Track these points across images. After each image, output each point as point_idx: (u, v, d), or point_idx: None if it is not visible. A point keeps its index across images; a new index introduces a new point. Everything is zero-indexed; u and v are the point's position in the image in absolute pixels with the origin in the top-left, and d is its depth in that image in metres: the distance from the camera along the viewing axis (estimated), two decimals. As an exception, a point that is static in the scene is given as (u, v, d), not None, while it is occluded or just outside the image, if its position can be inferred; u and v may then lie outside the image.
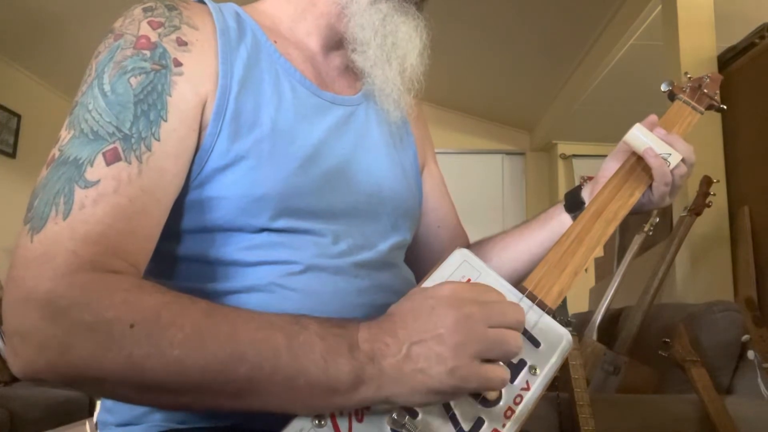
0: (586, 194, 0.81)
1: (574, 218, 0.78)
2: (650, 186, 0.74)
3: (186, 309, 0.49)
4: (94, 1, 3.07)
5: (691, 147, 0.74)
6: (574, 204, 0.81)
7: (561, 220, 0.81)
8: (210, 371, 0.47)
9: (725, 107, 0.84)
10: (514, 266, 0.82)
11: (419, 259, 0.88)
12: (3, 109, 3.70)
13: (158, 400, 0.50)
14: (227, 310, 0.51)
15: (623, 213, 0.72)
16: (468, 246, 0.91)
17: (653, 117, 0.78)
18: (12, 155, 3.76)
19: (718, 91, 0.84)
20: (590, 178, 0.83)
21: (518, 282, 0.63)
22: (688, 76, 0.86)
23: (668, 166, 0.72)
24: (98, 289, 0.48)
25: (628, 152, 0.77)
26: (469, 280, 0.59)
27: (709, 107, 0.83)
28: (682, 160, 0.73)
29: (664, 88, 0.83)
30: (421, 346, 0.49)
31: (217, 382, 0.48)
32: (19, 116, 3.82)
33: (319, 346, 0.49)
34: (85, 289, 0.48)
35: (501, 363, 0.51)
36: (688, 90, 0.83)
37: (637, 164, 0.75)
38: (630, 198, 0.73)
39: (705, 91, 0.83)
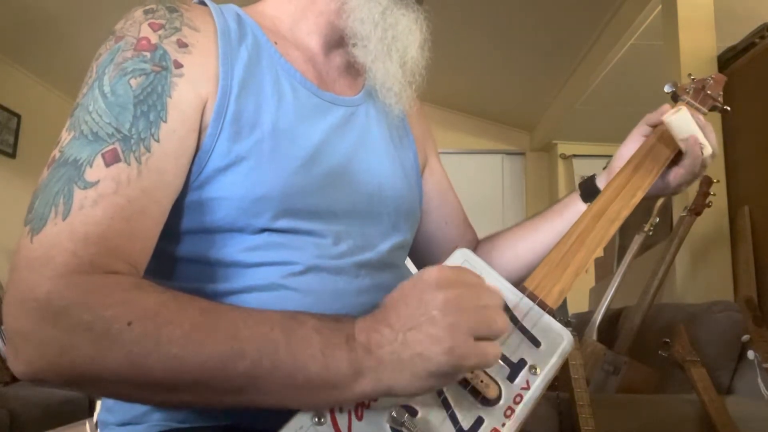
0: (601, 182, 0.82)
1: None
2: (670, 171, 0.77)
3: (184, 307, 0.49)
4: (94, 1, 3.07)
5: (715, 141, 0.77)
6: (589, 192, 0.81)
7: (577, 209, 0.81)
8: (209, 368, 0.47)
9: (728, 108, 0.85)
10: (531, 258, 0.82)
11: (429, 257, 0.88)
12: (3, 109, 3.69)
13: (158, 397, 0.51)
14: (225, 307, 0.51)
15: (635, 203, 0.72)
16: (477, 241, 0.91)
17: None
18: (12, 155, 3.76)
19: (721, 92, 0.84)
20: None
21: (521, 281, 0.63)
22: (692, 77, 0.86)
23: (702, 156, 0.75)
24: (97, 289, 0.49)
25: (642, 138, 0.79)
26: None
27: (713, 108, 0.84)
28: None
29: (667, 89, 0.83)
30: (416, 331, 0.48)
31: (216, 378, 0.48)
32: (19, 116, 3.81)
33: (317, 341, 0.49)
34: (85, 289, 0.48)
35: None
36: (691, 91, 0.83)
37: (651, 151, 0.77)
38: (647, 178, 0.74)
39: (708, 92, 0.83)
